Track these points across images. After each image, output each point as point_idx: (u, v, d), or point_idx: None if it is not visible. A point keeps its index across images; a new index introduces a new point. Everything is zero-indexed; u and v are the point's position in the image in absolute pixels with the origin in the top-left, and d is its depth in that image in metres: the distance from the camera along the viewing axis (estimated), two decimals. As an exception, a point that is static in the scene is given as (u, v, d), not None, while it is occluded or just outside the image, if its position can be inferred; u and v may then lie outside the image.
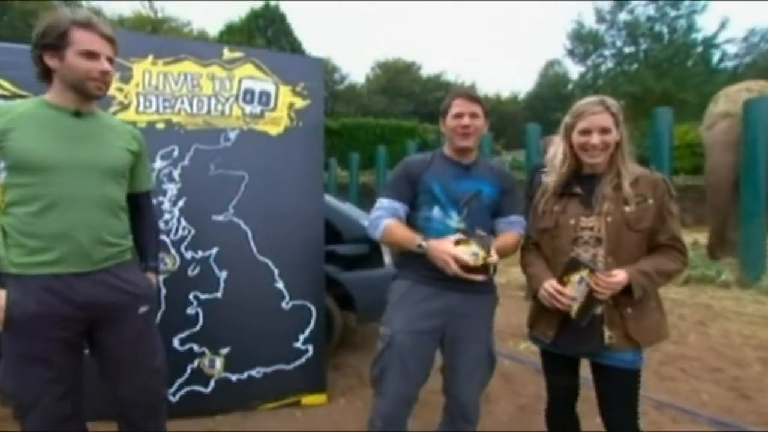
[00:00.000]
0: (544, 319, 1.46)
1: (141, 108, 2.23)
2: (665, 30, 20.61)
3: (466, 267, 1.40)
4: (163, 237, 2.21)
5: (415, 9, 74.28)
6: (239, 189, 2.33)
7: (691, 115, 17.13)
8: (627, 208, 1.34)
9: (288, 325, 2.40)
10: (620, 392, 1.40)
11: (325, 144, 2.69)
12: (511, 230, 1.61)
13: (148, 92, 2.23)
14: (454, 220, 1.57)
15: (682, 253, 1.37)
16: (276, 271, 2.37)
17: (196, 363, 2.26)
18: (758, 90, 5.99)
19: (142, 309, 1.43)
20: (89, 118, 1.36)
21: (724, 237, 5.94)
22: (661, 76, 19.78)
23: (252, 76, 2.38)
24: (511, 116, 32.74)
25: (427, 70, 35.13)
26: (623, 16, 21.07)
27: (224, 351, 2.30)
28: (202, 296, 2.27)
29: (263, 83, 2.40)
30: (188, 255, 2.25)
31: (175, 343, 2.22)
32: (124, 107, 2.19)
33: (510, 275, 5.87)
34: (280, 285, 2.38)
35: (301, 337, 2.41)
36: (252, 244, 2.34)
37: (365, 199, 10.27)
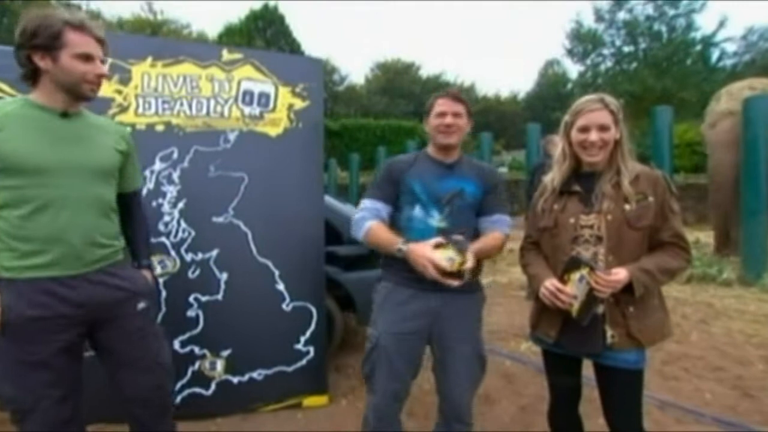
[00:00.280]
0: (546, 319, 1.44)
1: (140, 110, 2.22)
2: (664, 29, 20.62)
3: (443, 271, 1.41)
4: (163, 239, 2.20)
5: (415, 10, 74.35)
6: (239, 190, 2.33)
7: (690, 113, 17.15)
8: (627, 206, 1.33)
9: (289, 326, 2.39)
10: (624, 393, 1.39)
11: (325, 145, 2.68)
12: (495, 229, 1.60)
13: (147, 94, 2.23)
14: (436, 219, 1.57)
15: (686, 250, 1.35)
16: (276, 273, 2.37)
17: (196, 365, 2.25)
18: (761, 88, 5.97)
19: (141, 305, 1.42)
20: (77, 118, 1.34)
21: (728, 235, 5.93)
22: (661, 74, 19.79)
23: (251, 78, 2.38)
24: (511, 116, 32.79)
25: (426, 71, 35.27)
26: (622, 16, 21.10)
27: (225, 353, 2.29)
28: (203, 298, 2.26)
29: (262, 84, 2.39)
30: (188, 257, 2.25)
31: (176, 345, 2.21)
32: (123, 109, 2.18)
33: (511, 275, 5.87)
34: (280, 286, 2.37)
35: (302, 339, 2.40)
36: (252, 245, 2.34)
37: (365, 200, 10.23)
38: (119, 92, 2.18)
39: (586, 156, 1.39)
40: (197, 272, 2.26)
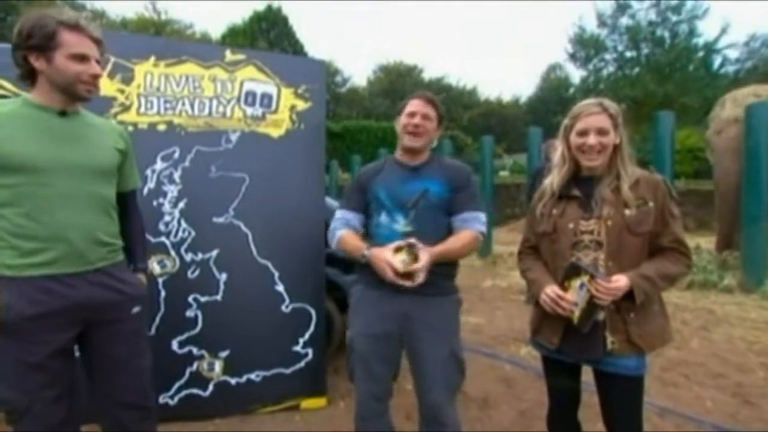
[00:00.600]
0: (548, 326, 1.43)
1: (142, 109, 2.22)
2: (666, 34, 20.63)
3: (398, 273, 1.43)
4: (163, 239, 2.20)
5: (417, 12, 74.57)
6: (240, 191, 2.32)
7: (692, 119, 17.14)
8: (627, 212, 1.32)
9: (288, 328, 2.38)
10: (624, 400, 1.38)
11: (327, 146, 2.68)
12: (465, 228, 1.59)
13: (150, 94, 2.23)
14: (401, 224, 1.58)
15: (686, 255, 1.34)
16: (276, 274, 2.36)
17: (195, 366, 2.25)
18: (766, 95, 5.95)
19: (135, 309, 1.43)
20: (75, 117, 1.35)
21: (732, 242, 5.89)
22: (663, 80, 19.80)
23: (254, 78, 2.38)
24: (513, 119, 32.81)
25: (428, 73, 35.34)
26: (624, 21, 21.11)
27: (224, 354, 2.28)
28: (202, 299, 2.26)
29: (265, 85, 2.39)
30: (188, 257, 2.24)
31: (174, 345, 2.21)
32: (126, 108, 2.18)
33: (511, 279, 5.86)
34: (280, 288, 2.37)
35: (301, 341, 2.40)
36: (252, 246, 2.33)
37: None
38: (121, 91, 2.18)
39: (585, 160, 1.38)
40: (197, 272, 2.25)
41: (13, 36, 1.25)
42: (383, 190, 1.62)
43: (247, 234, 2.33)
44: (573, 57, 22.93)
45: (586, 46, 22.10)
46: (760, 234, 4.90)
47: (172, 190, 2.24)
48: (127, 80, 2.19)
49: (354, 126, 18.98)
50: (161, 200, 2.21)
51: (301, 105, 2.44)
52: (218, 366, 2.28)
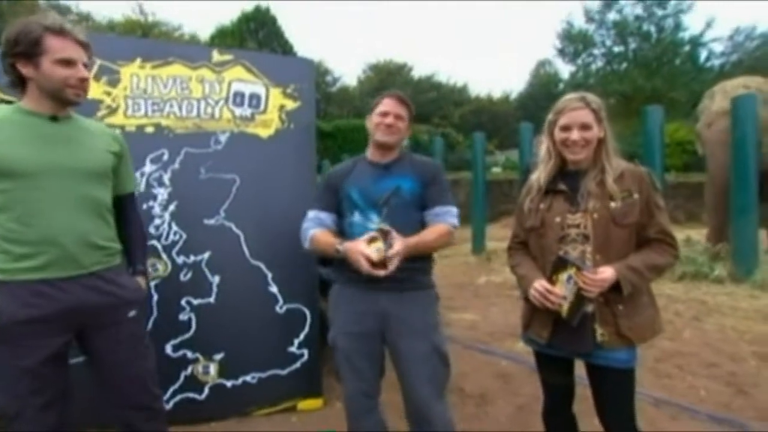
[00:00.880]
0: (538, 320, 1.44)
1: (129, 112, 2.19)
2: (653, 29, 20.87)
3: (373, 263, 1.43)
4: (154, 242, 2.17)
5: (407, 11, 74.59)
6: (230, 192, 2.30)
7: (680, 113, 17.35)
8: (613, 204, 1.33)
9: (282, 329, 2.37)
10: (616, 392, 1.38)
11: (319, 146, 2.67)
12: (438, 222, 1.61)
13: (137, 96, 2.20)
14: (374, 223, 1.58)
15: (673, 246, 1.36)
16: (269, 275, 2.34)
17: (189, 369, 2.22)
18: (755, 87, 5.95)
19: (132, 313, 1.42)
20: (66, 122, 1.35)
21: (724, 234, 5.92)
22: (651, 74, 20.02)
23: (242, 79, 2.36)
24: (504, 116, 32.92)
25: (418, 71, 35.32)
26: (612, 16, 21.32)
27: (218, 357, 2.26)
28: (195, 301, 2.23)
29: (253, 85, 2.37)
30: (180, 260, 2.22)
31: (168, 349, 2.19)
32: (112, 111, 2.15)
33: (506, 274, 5.88)
34: (273, 289, 2.35)
35: (296, 342, 2.38)
36: (245, 247, 2.31)
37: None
38: (108, 94, 2.15)
39: (569, 154, 1.39)
40: (189, 275, 2.23)
41: (1, 44, 1.26)
42: (355, 190, 1.63)
43: (239, 235, 2.31)
44: (562, 52, 23.12)
45: (574, 42, 22.27)
46: (750, 225, 4.96)
47: (161, 193, 2.21)
48: (114, 83, 2.16)
49: (345, 125, 18.92)
50: (151, 203, 2.19)
51: (290, 105, 2.43)
52: (213, 369, 2.26)
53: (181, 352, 2.21)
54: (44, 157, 1.26)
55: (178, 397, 2.20)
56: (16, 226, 1.22)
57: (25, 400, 1.24)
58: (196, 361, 2.23)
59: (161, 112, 2.24)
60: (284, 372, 2.36)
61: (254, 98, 2.37)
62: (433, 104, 32.13)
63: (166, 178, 2.21)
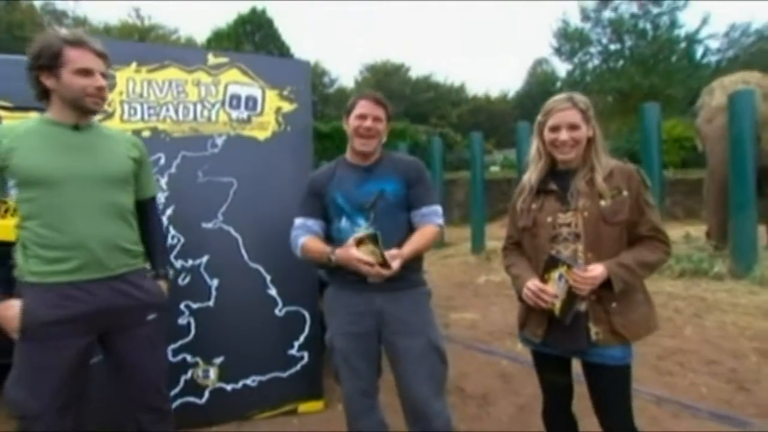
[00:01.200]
0: (532, 320, 1.45)
1: (126, 116, 2.18)
2: (649, 26, 20.86)
3: (372, 265, 1.45)
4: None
5: (403, 11, 74.63)
6: (228, 195, 2.30)
7: (677, 109, 17.37)
8: (602, 202, 1.34)
9: (282, 332, 2.36)
10: (612, 390, 1.38)
11: (317, 147, 2.67)
12: (426, 223, 1.62)
13: (133, 100, 2.19)
14: (363, 227, 1.58)
15: (665, 243, 1.36)
16: (268, 278, 2.34)
17: (189, 374, 2.21)
18: (755, 82, 5.92)
19: (151, 316, 1.48)
20: (88, 130, 1.41)
21: (725, 230, 5.89)
22: (647, 72, 20.02)
23: (238, 81, 2.35)
24: (501, 115, 32.98)
25: (416, 72, 35.35)
26: (607, 14, 21.30)
27: (218, 360, 2.25)
28: (194, 305, 2.23)
29: (249, 88, 2.37)
30: (178, 264, 2.21)
31: (168, 353, 2.17)
32: (108, 116, 2.14)
33: (505, 274, 5.86)
34: (272, 291, 2.34)
35: (296, 344, 2.37)
36: (243, 250, 2.31)
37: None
38: (103, 98, 2.14)
39: (559, 154, 1.40)
40: (187, 279, 2.22)
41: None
42: (340, 195, 1.62)
43: (237, 238, 2.30)
44: (558, 51, 23.09)
45: (570, 40, 22.27)
46: (748, 221, 4.96)
47: (159, 197, 2.20)
48: (109, 87, 2.14)
49: (343, 126, 18.92)
50: (148, 207, 2.18)
51: (287, 107, 2.42)
52: (213, 373, 2.25)
53: (180, 357, 2.20)
54: (68, 166, 1.32)
55: (178, 402, 2.18)
56: (46, 231, 1.29)
57: (47, 401, 1.28)
58: (195, 365, 2.22)
59: (157, 116, 2.23)
60: (285, 375, 2.35)
61: (251, 101, 2.36)
62: (431, 104, 32.16)
63: (163, 182, 2.20)
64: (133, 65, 2.19)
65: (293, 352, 2.37)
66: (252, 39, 23.51)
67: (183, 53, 2.42)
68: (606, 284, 1.28)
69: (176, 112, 2.26)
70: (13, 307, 1.28)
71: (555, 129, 1.39)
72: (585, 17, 21.78)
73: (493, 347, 3.27)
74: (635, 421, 1.40)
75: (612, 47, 21.98)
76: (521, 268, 1.46)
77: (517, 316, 1.55)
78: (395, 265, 1.45)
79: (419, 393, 1.55)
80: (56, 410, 1.29)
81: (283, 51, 23.57)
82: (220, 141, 2.31)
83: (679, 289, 4.67)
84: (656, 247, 1.35)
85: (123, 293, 1.39)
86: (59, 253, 1.29)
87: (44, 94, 1.35)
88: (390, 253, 1.45)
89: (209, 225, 2.26)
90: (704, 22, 19.95)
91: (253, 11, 24.02)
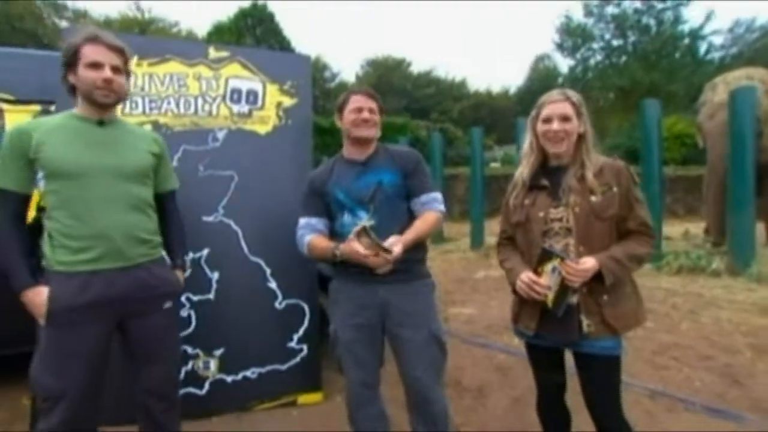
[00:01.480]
0: (525, 312, 1.48)
1: (127, 110, 2.20)
2: (652, 22, 20.77)
3: (378, 252, 1.46)
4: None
5: (404, 6, 74.21)
6: (229, 189, 2.32)
7: (679, 106, 17.32)
8: (593, 198, 1.37)
9: (282, 324, 2.39)
10: (603, 379, 1.42)
11: (318, 142, 2.68)
12: (426, 210, 1.65)
13: (134, 94, 2.21)
14: (364, 220, 1.60)
15: (652, 237, 1.41)
16: (268, 271, 2.36)
17: (190, 365, 2.24)
18: (759, 77, 5.88)
19: (167, 304, 1.54)
20: (112, 125, 1.47)
21: (724, 226, 5.90)
22: (650, 68, 19.96)
23: (239, 76, 2.36)
24: (503, 111, 32.87)
25: (417, 67, 35.26)
26: (611, 10, 21.20)
27: (218, 352, 2.28)
28: (195, 298, 2.25)
29: (250, 82, 2.38)
30: (179, 257, 2.23)
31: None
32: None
33: (504, 269, 5.89)
34: (272, 284, 2.37)
35: (295, 337, 2.40)
36: (243, 244, 2.33)
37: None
38: (105, 92, 2.15)
39: (551, 147, 1.43)
40: (188, 271, 2.24)
41: None
42: (339, 191, 1.65)
43: (238, 232, 2.32)
44: (560, 47, 23.02)
45: (573, 36, 22.18)
46: (747, 218, 4.97)
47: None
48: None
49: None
50: (149, 201, 2.20)
51: (288, 101, 2.43)
52: (213, 364, 2.28)
53: (181, 348, 2.23)
54: (93, 160, 1.38)
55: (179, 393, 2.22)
56: (71, 222, 1.35)
57: (70, 382, 1.33)
58: (196, 356, 2.25)
59: (159, 110, 2.24)
60: (284, 367, 2.38)
61: (251, 95, 2.38)
62: (432, 99, 32.06)
63: (164, 175, 2.22)
64: (134, 59, 2.20)
65: (293, 344, 2.40)
66: (253, 33, 23.41)
67: (184, 47, 2.43)
68: (597, 277, 1.32)
69: (177, 105, 2.27)
70: (41, 293, 1.34)
71: (547, 120, 1.42)
72: (588, 13, 21.69)
73: (491, 341, 3.30)
74: (630, 414, 1.43)
75: (615, 43, 21.89)
76: (515, 261, 1.49)
77: (510, 310, 1.58)
78: (396, 249, 1.47)
79: (423, 381, 1.61)
80: (79, 393, 1.34)
81: (284, 45, 23.48)
82: (221, 135, 2.32)
83: (677, 285, 4.70)
84: (645, 242, 1.39)
85: (141, 281, 1.45)
86: (82, 243, 1.35)
87: (72, 91, 1.42)
88: (389, 240, 1.49)
89: (210, 218, 2.29)
90: (708, 18, 19.88)
91: (254, 5, 23.90)
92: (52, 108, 2.21)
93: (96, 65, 1.37)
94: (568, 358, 1.51)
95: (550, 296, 1.36)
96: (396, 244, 1.49)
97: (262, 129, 2.39)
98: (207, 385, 2.27)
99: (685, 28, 20.28)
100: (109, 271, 1.39)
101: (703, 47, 20.46)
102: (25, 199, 1.41)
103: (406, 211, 1.67)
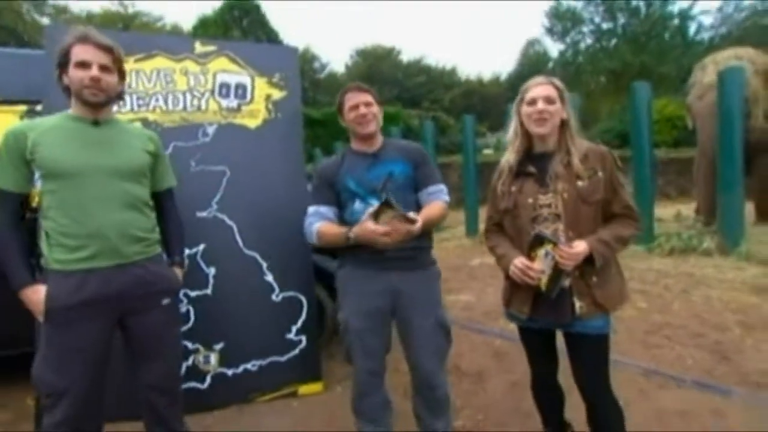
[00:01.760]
0: (518, 297, 1.51)
1: (114, 108, 2.17)
2: (642, 4, 20.71)
3: (403, 222, 1.48)
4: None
5: (393, -7, 73.24)
6: (221, 184, 2.31)
7: (669, 88, 17.36)
8: (580, 183, 1.41)
9: (279, 317, 2.41)
10: (593, 357, 1.46)
11: (309, 134, 2.69)
12: (434, 200, 1.72)
13: (121, 90, 2.18)
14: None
15: (635, 219, 1.45)
16: (264, 264, 2.37)
17: (190, 360, 2.26)
18: (747, 57, 5.89)
19: (165, 301, 1.55)
20: (107, 125, 1.49)
21: (714, 206, 5.97)
22: (639, 50, 19.96)
23: (226, 70, 2.35)
24: (494, 98, 32.79)
25: (407, 55, 35.01)
26: (600, -8, 21.10)
27: (218, 346, 2.30)
28: (192, 293, 2.26)
29: (238, 76, 2.36)
30: (174, 253, 2.23)
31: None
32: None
33: (499, 256, 5.93)
34: (269, 278, 2.38)
35: (294, 329, 2.43)
36: (238, 238, 2.34)
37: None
38: (92, 90, 2.13)
39: (535, 127, 1.45)
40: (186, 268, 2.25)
41: None
42: (351, 180, 1.69)
43: (232, 227, 2.33)
44: (550, 31, 22.96)
45: (562, 20, 22.11)
46: (736, 198, 5.03)
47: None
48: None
49: (335, 112, 18.77)
50: (142, 198, 2.19)
51: (277, 94, 2.42)
52: (213, 358, 2.30)
53: (182, 344, 2.24)
54: (88, 159, 1.40)
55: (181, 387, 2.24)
56: (68, 221, 1.36)
57: (71, 379, 1.35)
58: (196, 351, 2.27)
59: (147, 107, 2.23)
60: (283, 358, 2.41)
61: (240, 89, 2.37)
62: (423, 88, 31.90)
63: (155, 172, 2.21)
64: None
65: (291, 336, 2.42)
66: (239, 25, 23.08)
67: (170, 42, 2.40)
68: (587, 260, 1.36)
69: (166, 102, 2.26)
70: (39, 291, 1.36)
71: (532, 102, 1.45)
72: (577, -5, 21.57)
73: (488, 327, 3.34)
74: (624, 392, 1.48)
75: (604, 26, 21.84)
76: (505, 247, 1.52)
77: (501, 294, 1.61)
78: (417, 223, 1.50)
79: (429, 366, 1.67)
80: (82, 390, 1.36)
81: (271, 37, 23.17)
82: (211, 130, 2.31)
83: (669, 266, 4.76)
84: (630, 224, 1.43)
85: (138, 279, 1.46)
86: (78, 241, 1.37)
87: (68, 92, 1.43)
88: (411, 213, 1.52)
89: (204, 214, 2.29)
90: (697, -5, 19.82)
91: (241, -4, 23.52)
92: (38, 108, 2.19)
93: (84, 64, 1.37)
94: (559, 339, 1.54)
95: (544, 280, 1.39)
96: (415, 218, 1.52)
97: (252, 123, 2.39)
98: (208, 379, 2.29)
99: (675, 8, 20.28)
100: (105, 269, 1.40)
101: (692, 28, 20.50)
102: (24, 199, 1.43)
103: (414, 202, 1.72)
